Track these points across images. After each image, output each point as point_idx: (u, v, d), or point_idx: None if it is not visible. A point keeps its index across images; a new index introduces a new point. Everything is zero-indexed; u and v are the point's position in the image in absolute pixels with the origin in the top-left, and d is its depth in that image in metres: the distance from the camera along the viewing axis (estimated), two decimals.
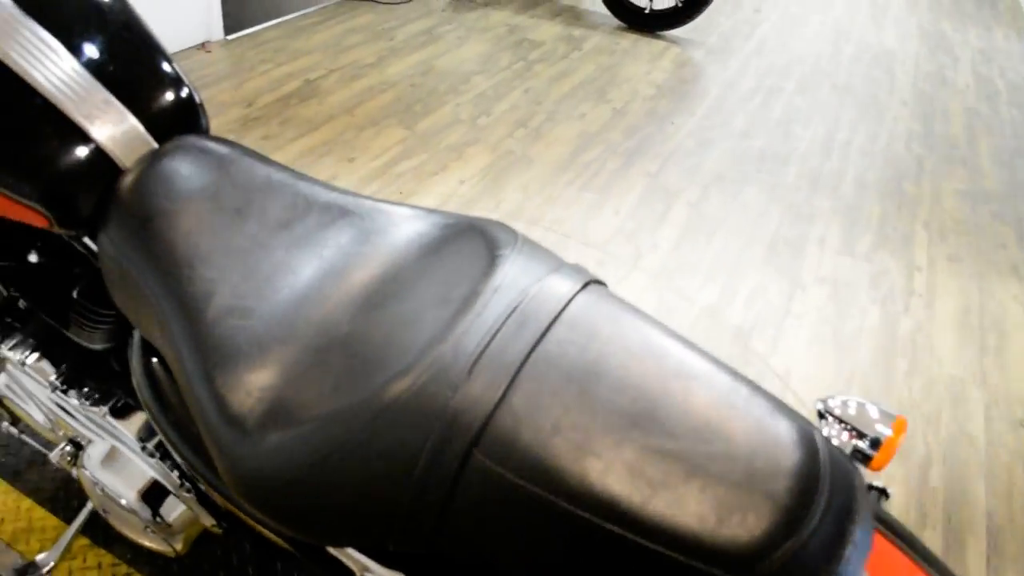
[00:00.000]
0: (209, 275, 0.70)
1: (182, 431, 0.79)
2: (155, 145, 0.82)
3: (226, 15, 3.32)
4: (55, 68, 0.78)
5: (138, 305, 0.74)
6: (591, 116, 2.95)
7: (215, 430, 0.63)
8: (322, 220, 0.74)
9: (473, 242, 0.69)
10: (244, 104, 2.82)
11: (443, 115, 2.86)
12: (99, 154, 0.78)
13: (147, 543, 1.03)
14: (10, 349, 1.00)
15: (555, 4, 4.15)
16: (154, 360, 0.83)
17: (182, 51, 3.19)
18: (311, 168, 2.47)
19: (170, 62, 0.87)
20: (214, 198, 0.76)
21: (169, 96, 0.85)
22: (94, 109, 0.79)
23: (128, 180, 0.78)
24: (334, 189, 0.79)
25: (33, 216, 0.79)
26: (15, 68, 0.76)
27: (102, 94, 0.79)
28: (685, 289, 2.06)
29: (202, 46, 3.24)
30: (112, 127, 0.79)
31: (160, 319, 0.70)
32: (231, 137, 2.62)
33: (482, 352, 0.57)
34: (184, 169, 0.78)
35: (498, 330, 0.58)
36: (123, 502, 0.96)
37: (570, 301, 0.61)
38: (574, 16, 3.99)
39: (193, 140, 0.82)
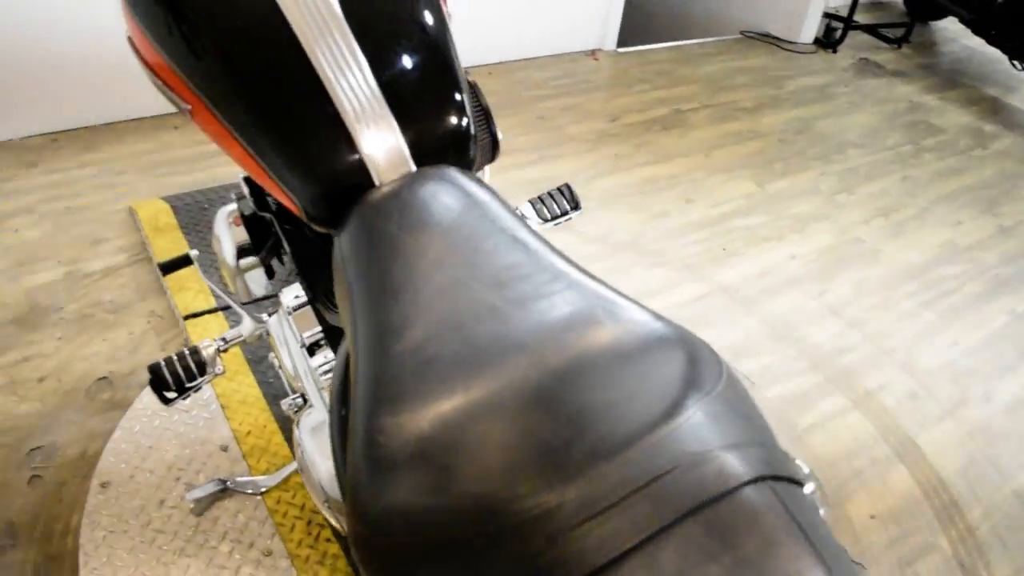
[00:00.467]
0: (411, 309, 0.69)
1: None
2: (413, 168, 0.82)
3: (623, 28, 3.39)
4: (350, 76, 0.81)
5: (345, 313, 0.75)
6: (968, 226, 2.60)
7: (356, 459, 0.62)
8: (540, 289, 0.70)
9: (671, 365, 0.60)
10: (608, 118, 2.86)
11: (801, 181, 2.68)
12: (359, 165, 0.81)
13: (324, 513, 1.07)
14: (287, 296, 1.09)
15: (976, 90, 3.71)
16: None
17: (571, 53, 3.31)
18: (646, 198, 2.44)
19: (461, 91, 0.88)
20: (444, 235, 0.74)
21: (444, 126, 0.85)
22: (370, 123, 0.81)
23: (375, 196, 0.79)
24: (566, 260, 0.74)
25: (289, 203, 0.84)
26: (316, 67, 0.81)
27: (383, 110, 0.82)
28: (1004, 462, 1.73)
29: (592, 53, 3.34)
30: (380, 143, 0.81)
31: (354, 333, 0.70)
32: (584, 147, 2.67)
33: (603, 511, 0.50)
34: (427, 199, 0.78)
35: (631, 493, 0.50)
36: (312, 472, 1.00)
37: (726, 494, 0.50)
38: (993, 109, 3.53)
39: (447, 172, 0.81)
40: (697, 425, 0.55)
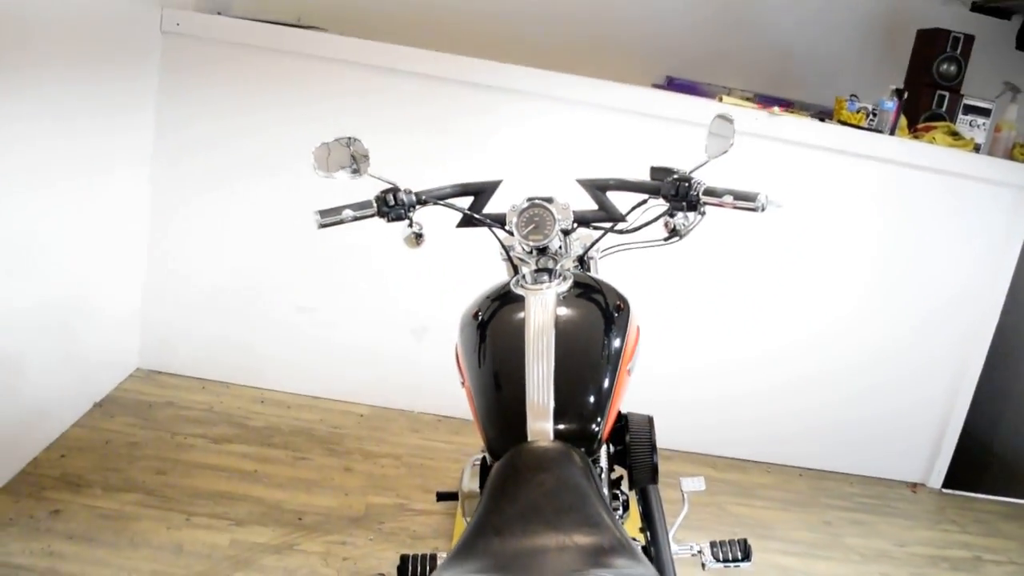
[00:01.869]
0: (483, 533, 1.14)
1: None
2: (551, 439, 1.32)
3: (959, 463, 3.48)
4: (541, 378, 1.38)
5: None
6: None
7: None
8: (553, 522, 1.13)
9: None
10: (896, 543, 2.97)
11: None
12: (522, 428, 1.34)
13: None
14: None
15: None
16: None
17: (890, 480, 3.48)
18: None
19: (602, 412, 1.38)
20: (543, 483, 1.21)
21: (582, 423, 1.36)
22: (538, 408, 1.35)
23: (523, 447, 1.30)
24: (600, 529, 1.15)
25: (483, 438, 1.39)
26: (527, 368, 1.38)
27: (549, 404, 1.35)
28: None
29: (913, 486, 3.48)
30: (539, 420, 1.34)
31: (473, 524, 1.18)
32: (854, 557, 2.82)
33: None
34: (548, 458, 1.28)
35: None
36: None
37: None
38: None
39: (566, 447, 1.30)
40: None
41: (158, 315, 3.23)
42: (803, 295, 3.32)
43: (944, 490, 3.50)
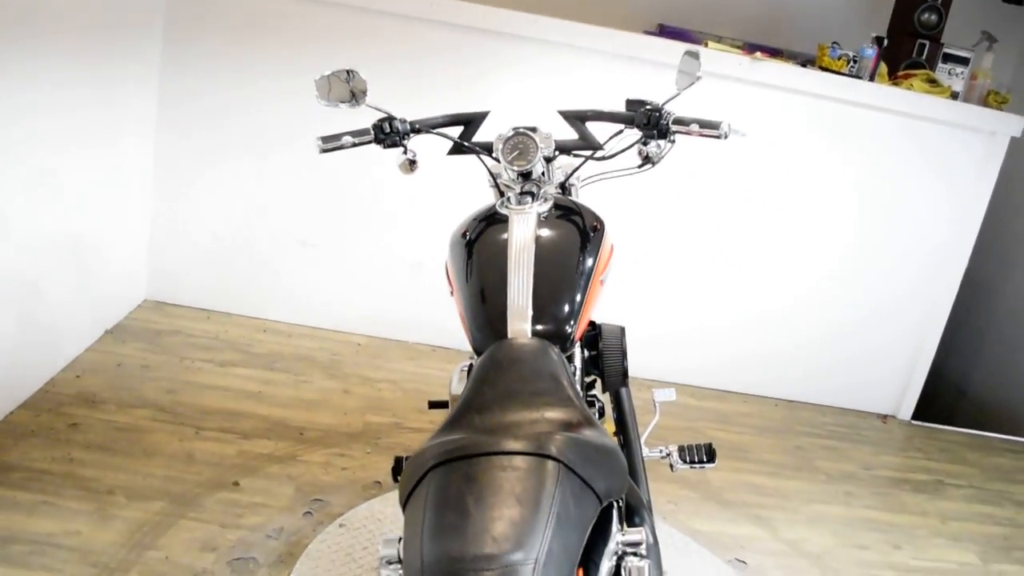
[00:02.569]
0: (466, 413, 1.30)
1: None
2: (529, 336, 1.48)
3: (933, 402, 3.67)
4: (521, 285, 1.53)
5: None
6: None
7: None
8: (528, 402, 1.28)
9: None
10: (863, 466, 3.16)
11: None
12: (503, 328, 1.49)
13: None
14: None
15: None
16: None
17: (862, 412, 3.67)
18: (854, 530, 2.70)
19: (574, 316, 1.53)
20: (520, 366, 1.37)
21: (557, 324, 1.51)
22: (517, 309, 1.50)
23: (503, 343, 1.45)
24: (579, 401, 1.31)
25: (468, 338, 1.55)
26: (508, 276, 1.53)
27: (527, 307, 1.50)
28: None
29: (884, 417, 3.66)
30: (518, 321, 1.50)
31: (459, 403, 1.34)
32: (821, 478, 3.01)
33: None
34: (525, 351, 1.43)
35: None
36: None
37: None
38: None
39: (544, 344, 1.46)
40: None
41: (165, 249, 3.38)
42: (782, 234, 3.48)
43: (913, 422, 3.69)
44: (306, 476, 2.42)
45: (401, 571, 1.11)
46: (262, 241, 3.39)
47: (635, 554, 1.17)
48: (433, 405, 2.15)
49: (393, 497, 2.33)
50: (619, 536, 1.18)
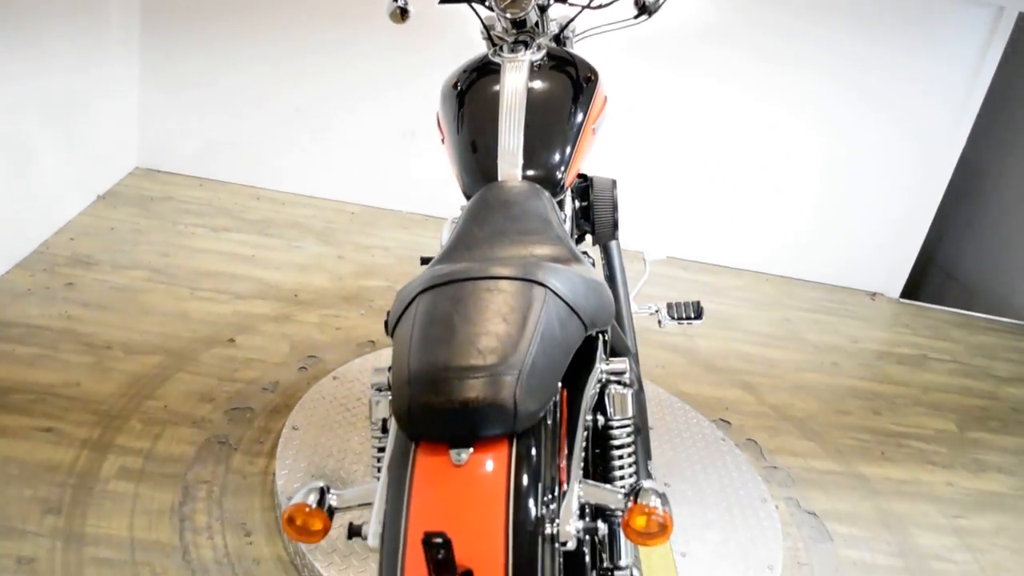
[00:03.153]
0: (455, 250, 1.30)
1: None
2: (519, 180, 1.47)
3: (921, 284, 3.70)
4: (512, 128, 1.51)
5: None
6: None
7: None
8: (517, 240, 1.29)
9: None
10: (850, 339, 3.22)
11: (1010, 444, 2.78)
12: (494, 171, 1.49)
13: None
14: None
15: None
16: None
17: (852, 289, 3.71)
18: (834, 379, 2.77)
19: (565, 163, 1.52)
20: (510, 208, 1.37)
21: (546, 169, 1.50)
22: (508, 154, 1.49)
23: (495, 185, 1.45)
24: (566, 240, 1.32)
25: (459, 182, 1.54)
26: (500, 121, 1.52)
27: (518, 152, 1.50)
28: None
29: (872, 295, 3.70)
30: (509, 166, 1.49)
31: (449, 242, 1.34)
32: (804, 346, 3.06)
33: None
34: (515, 192, 1.43)
35: None
36: None
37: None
38: None
39: (533, 186, 1.46)
40: None
41: (155, 116, 3.33)
42: (776, 110, 3.42)
43: (901, 300, 3.73)
44: (300, 335, 2.46)
45: (391, 396, 1.14)
46: (255, 108, 3.34)
47: (619, 382, 1.20)
48: (424, 261, 2.16)
49: (387, 356, 2.37)
50: (603, 365, 1.21)
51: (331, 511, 0.98)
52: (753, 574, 1.81)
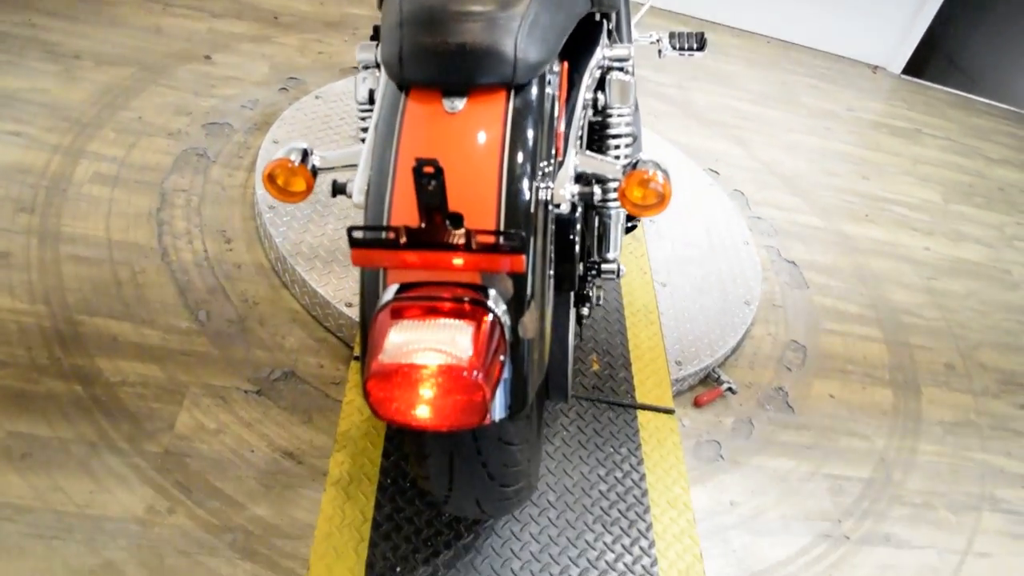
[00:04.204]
0: None
1: None
2: None
3: (923, 64, 3.58)
4: None
5: None
6: None
7: None
8: None
9: None
10: (844, 106, 3.14)
11: (990, 217, 2.79)
12: None
13: None
14: None
15: None
16: None
17: (854, 60, 3.58)
18: (826, 159, 2.73)
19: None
20: None
21: None
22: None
23: None
24: None
25: None
26: None
27: None
28: None
29: (874, 68, 3.58)
30: None
31: None
32: (801, 110, 2.99)
33: None
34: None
35: None
36: None
37: None
38: None
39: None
40: None
41: None
42: None
43: (902, 76, 3.62)
44: (280, 56, 2.33)
45: (378, 75, 1.07)
46: None
47: (620, 69, 1.14)
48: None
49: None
50: (606, 50, 1.14)
51: (315, 170, 0.94)
52: (730, 307, 1.84)
